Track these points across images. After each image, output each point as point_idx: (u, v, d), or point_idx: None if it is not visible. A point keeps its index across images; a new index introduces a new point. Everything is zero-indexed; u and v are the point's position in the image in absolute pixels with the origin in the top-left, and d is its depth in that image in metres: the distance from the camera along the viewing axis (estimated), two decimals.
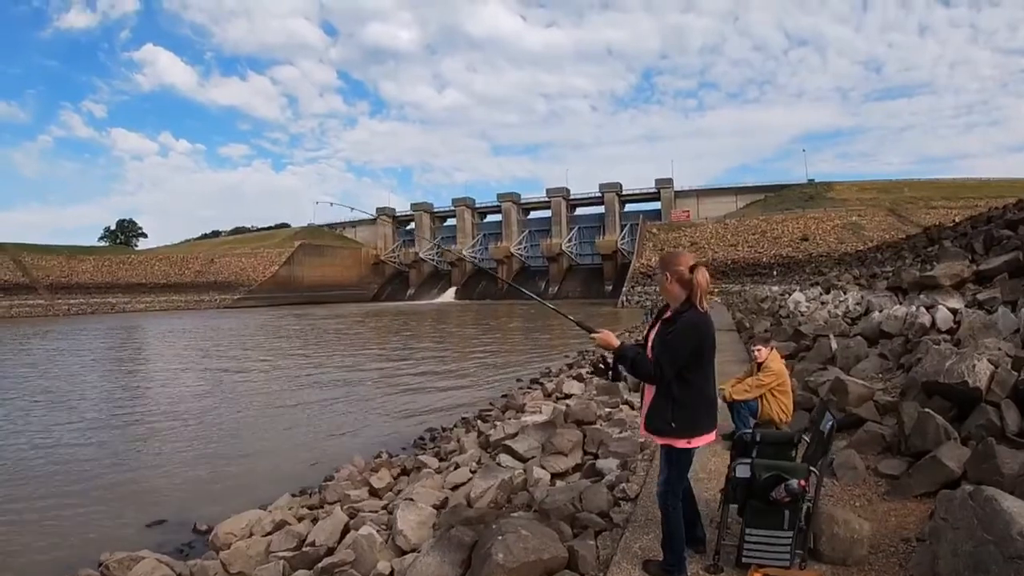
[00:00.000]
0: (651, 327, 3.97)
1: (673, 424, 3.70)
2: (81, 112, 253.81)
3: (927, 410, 5.33)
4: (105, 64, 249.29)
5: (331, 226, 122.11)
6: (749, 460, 3.93)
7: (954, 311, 9.64)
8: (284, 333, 43.04)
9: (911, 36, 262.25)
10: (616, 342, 3.77)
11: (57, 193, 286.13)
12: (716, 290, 54.53)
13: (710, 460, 5.97)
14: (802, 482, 3.68)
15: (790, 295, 23.55)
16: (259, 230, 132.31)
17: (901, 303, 11.91)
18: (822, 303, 18.01)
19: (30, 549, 7.77)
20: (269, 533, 7.14)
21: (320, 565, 5.67)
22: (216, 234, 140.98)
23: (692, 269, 3.69)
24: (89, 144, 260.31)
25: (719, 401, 6.65)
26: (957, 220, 31.83)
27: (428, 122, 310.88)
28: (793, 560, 3.75)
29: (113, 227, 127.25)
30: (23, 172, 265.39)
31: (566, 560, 4.25)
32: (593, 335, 3.83)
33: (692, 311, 3.68)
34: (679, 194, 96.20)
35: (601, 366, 4.09)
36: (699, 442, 3.76)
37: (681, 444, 3.74)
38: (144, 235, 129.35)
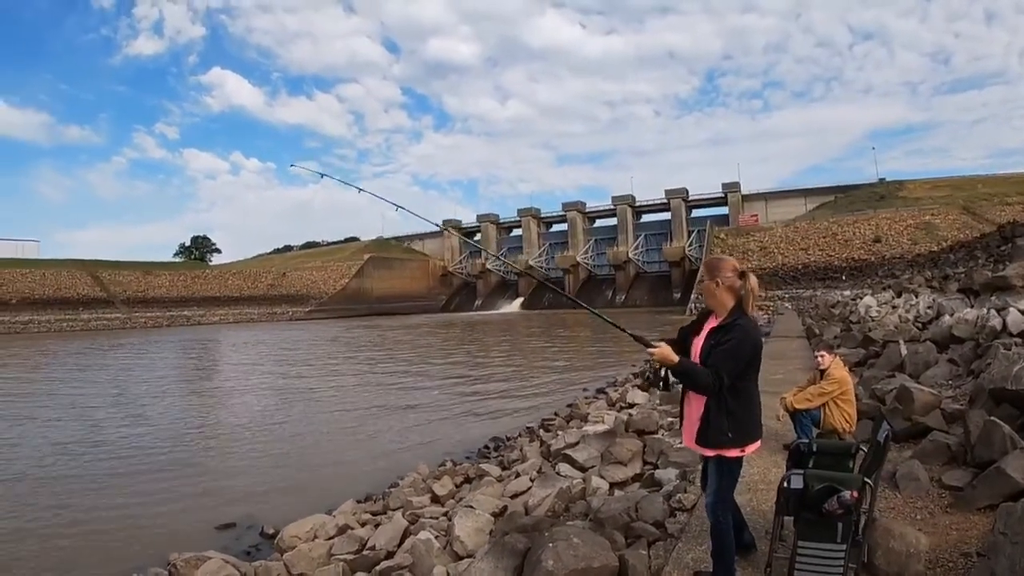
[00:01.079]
0: (693, 334, 3.93)
1: (730, 434, 3.66)
2: (154, 134, 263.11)
3: (993, 418, 5.17)
4: (174, 88, 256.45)
5: (399, 239, 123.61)
6: (802, 471, 3.89)
7: None
8: (355, 344, 43.69)
9: (978, 25, 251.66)
10: (675, 357, 3.68)
11: (133, 212, 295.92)
12: (786, 296, 53.60)
13: (771, 471, 5.90)
14: (854, 493, 3.62)
15: (861, 300, 23.04)
16: (329, 244, 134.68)
17: (972, 306, 11.58)
18: (893, 307, 17.58)
19: (104, 548, 8.08)
20: (332, 537, 7.31)
21: (378, 568, 5.81)
22: (288, 249, 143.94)
23: (742, 275, 3.68)
24: (163, 165, 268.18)
25: (780, 411, 6.61)
26: None
27: (492, 134, 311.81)
28: (847, 574, 3.69)
29: (188, 243, 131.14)
30: (99, 193, 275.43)
31: (616, 569, 4.26)
32: (651, 349, 3.74)
33: (746, 318, 3.65)
34: (746, 198, 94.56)
35: (652, 376, 4.11)
36: (750, 450, 3.75)
37: (735, 453, 3.72)
38: (218, 250, 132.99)
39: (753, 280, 3.68)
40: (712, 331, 3.77)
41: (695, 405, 3.83)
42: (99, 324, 73.47)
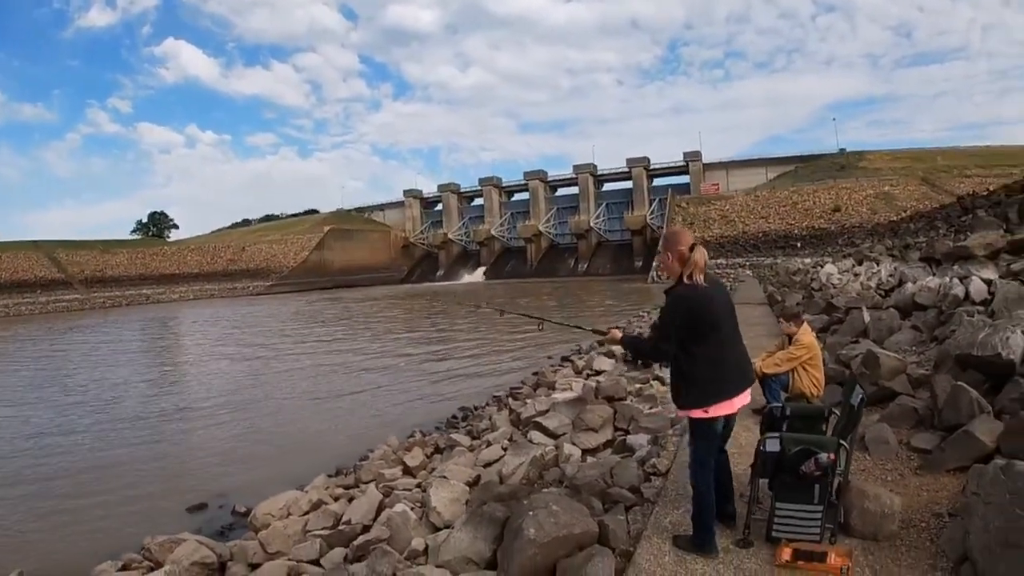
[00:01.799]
0: None
1: (687, 396, 3.84)
2: (107, 109, 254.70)
3: (960, 383, 5.27)
4: (128, 60, 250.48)
5: (359, 210, 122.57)
6: (778, 434, 3.95)
7: (988, 282, 9.51)
8: (316, 318, 43.37)
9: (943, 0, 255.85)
10: (618, 335, 4.01)
11: (89, 190, 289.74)
12: (747, 263, 54.20)
13: (740, 435, 5.94)
14: (831, 455, 3.68)
15: (822, 267, 23.33)
16: (288, 217, 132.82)
17: (934, 274, 11.78)
18: (855, 275, 17.83)
19: (75, 535, 8.03)
20: (306, 513, 7.28)
21: (356, 543, 5.77)
22: (246, 222, 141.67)
23: (692, 248, 3.79)
24: (117, 140, 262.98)
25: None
26: (991, 189, 31.29)
27: (453, 102, 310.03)
28: (823, 535, 3.76)
29: (145, 220, 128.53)
30: (55, 171, 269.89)
31: (597, 535, 4.28)
32: (602, 338, 4.01)
33: (680, 286, 3.81)
34: (708, 167, 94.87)
35: (627, 356, 4.25)
36: (719, 410, 3.81)
37: (698, 414, 3.83)
38: (176, 226, 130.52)
39: (699, 252, 3.80)
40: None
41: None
42: (57, 306, 71.36)
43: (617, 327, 3.93)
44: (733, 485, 4.30)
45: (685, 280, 3.78)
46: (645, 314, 26.60)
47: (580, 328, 4.17)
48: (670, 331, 3.80)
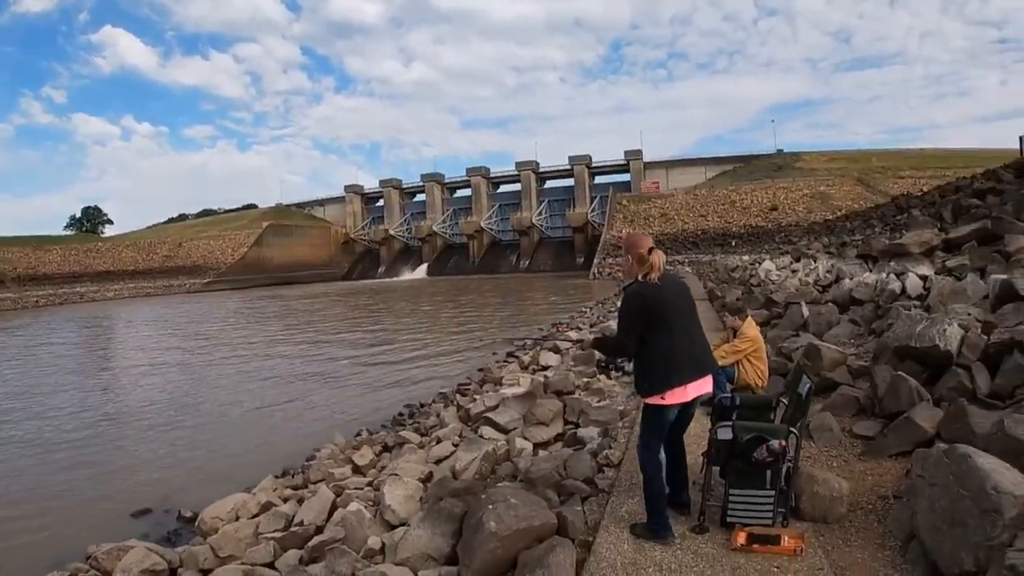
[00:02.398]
0: None
1: (644, 384, 4.02)
2: (41, 98, 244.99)
3: (900, 373, 5.49)
4: (64, 48, 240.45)
5: (299, 205, 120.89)
6: (730, 423, 4.06)
7: (924, 278, 9.87)
8: (256, 316, 42.71)
9: (882, 7, 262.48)
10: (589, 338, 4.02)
11: (20, 183, 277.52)
12: (686, 260, 54.99)
13: (691, 425, 6.08)
14: (782, 442, 3.81)
15: (760, 264, 23.81)
16: (226, 212, 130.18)
17: (871, 270, 12.15)
18: (792, 271, 18.26)
19: (14, 546, 7.73)
20: (256, 515, 7.14)
21: (311, 544, 5.70)
22: (183, 217, 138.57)
23: (651, 251, 4.01)
24: (50, 131, 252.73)
25: None
26: (925, 190, 32.36)
27: (396, 97, 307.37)
28: (776, 519, 3.89)
29: (79, 215, 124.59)
30: None
31: (556, 526, 4.33)
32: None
33: (634, 284, 4.06)
34: (648, 165, 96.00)
35: (601, 363, 4.35)
36: (672, 398, 3.93)
37: (654, 400, 3.97)
38: (110, 221, 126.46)
39: (657, 255, 4.01)
40: None
41: None
42: None
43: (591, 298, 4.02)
44: (687, 474, 4.41)
45: (640, 279, 3.96)
46: (587, 310, 26.85)
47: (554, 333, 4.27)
48: (628, 325, 3.98)
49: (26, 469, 10.77)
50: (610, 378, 9.95)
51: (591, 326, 19.59)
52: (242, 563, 5.88)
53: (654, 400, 3.96)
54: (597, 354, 4.27)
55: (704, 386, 4.08)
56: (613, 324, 4.21)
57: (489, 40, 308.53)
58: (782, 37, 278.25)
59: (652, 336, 3.94)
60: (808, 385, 4.17)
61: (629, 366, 11.56)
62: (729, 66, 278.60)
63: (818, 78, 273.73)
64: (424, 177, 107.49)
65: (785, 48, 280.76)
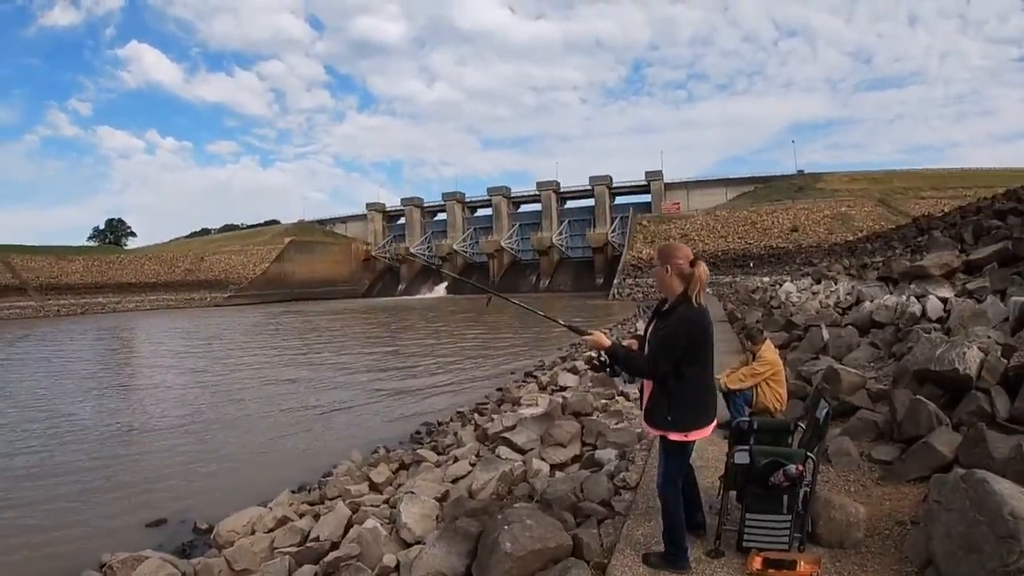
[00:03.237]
0: (649, 322, 3.98)
1: (669, 418, 3.72)
2: (67, 111, 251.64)
3: (919, 397, 5.45)
4: (90, 62, 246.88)
5: (321, 222, 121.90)
6: (748, 447, 4.03)
7: (944, 300, 9.80)
8: (276, 331, 42.97)
9: (901, 26, 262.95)
10: (607, 342, 3.78)
11: (45, 194, 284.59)
12: (708, 282, 54.74)
13: (707, 448, 6.06)
14: (800, 467, 3.78)
15: (781, 286, 23.72)
16: (249, 227, 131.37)
17: (892, 293, 12.07)
18: (813, 293, 18.15)
19: (31, 552, 7.81)
20: (271, 530, 7.19)
21: (326, 559, 5.71)
22: (206, 232, 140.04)
23: (692, 263, 3.69)
24: (75, 143, 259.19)
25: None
26: (946, 210, 32.18)
27: (417, 116, 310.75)
28: (792, 543, 3.85)
29: (102, 227, 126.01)
30: (10, 174, 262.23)
31: (571, 548, 4.34)
32: (584, 337, 3.85)
33: (686, 305, 3.68)
34: (669, 186, 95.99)
35: (596, 363, 4.06)
36: (696, 435, 3.78)
37: (677, 437, 3.76)
38: (133, 234, 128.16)
39: (701, 268, 3.70)
40: (659, 317, 3.85)
41: (647, 387, 3.91)
42: (11, 313, 69.46)
43: (604, 331, 3.87)
44: (700, 494, 4.36)
45: (693, 301, 3.68)
46: (607, 331, 26.73)
47: (572, 328, 4.10)
48: (671, 351, 3.64)
49: (44, 477, 10.87)
50: (628, 399, 9.95)
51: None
52: None
53: (676, 437, 3.76)
54: (594, 353, 3.96)
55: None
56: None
57: (509, 60, 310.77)
58: (802, 57, 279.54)
59: (688, 367, 3.67)
60: (826, 409, 4.14)
61: (627, 378, 11.54)
62: (749, 87, 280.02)
63: (838, 98, 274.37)
64: (445, 196, 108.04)
65: (805, 68, 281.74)
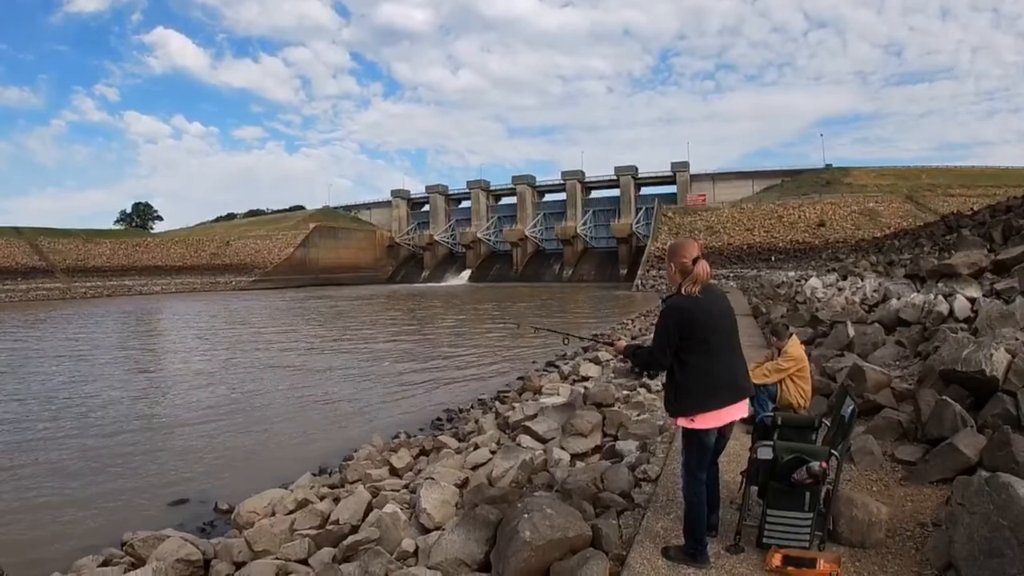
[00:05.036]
0: None
1: (674, 404, 3.86)
2: (94, 96, 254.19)
3: (944, 397, 5.39)
4: (116, 48, 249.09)
5: (346, 208, 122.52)
6: (771, 443, 4.02)
7: (972, 300, 9.69)
8: (300, 315, 43.26)
9: (933, 20, 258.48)
10: (621, 344, 4.05)
11: (72, 178, 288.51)
12: (731, 275, 54.44)
13: (729, 444, 6.03)
14: (823, 464, 3.77)
15: (806, 281, 23.50)
16: (274, 212, 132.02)
17: (919, 291, 11.94)
18: (839, 289, 17.97)
19: (53, 529, 7.96)
20: (292, 512, 7.23)
21: (345, 543, 5.73)
22: (231, 216, 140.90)
23: (695, 261, 3.81)
24: (102, 128, 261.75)
25: None
26: (975, 208, 31.68)
27: (443, 104, 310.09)
28: (812, 542, 3.86)
29: (129, 210, 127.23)
30: (38, 158, 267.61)
31: (590, 538, 4.34)
32: (608, 347, 4.00)
33: (676, 296, 3.85)
34: (695, 178, 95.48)
35: (622, 363, 4.22)
36: (706, 422, 3.80)
37: (685, 423, 3.84)
38: (160, 218, 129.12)
39: (702, 266, 3.80)
40: None
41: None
42: (38, 295, 70.54)
43: (621, 338, 3.95)
44: (720, 495, 4.35)
45: (682, 291, 3.81)
46: (629, 322, 26.73)
47: (595, 340, 4.22)
48: (663, 340, 3.81)
49: (68, 457, 11.04)
50: (650, 391, 9.93)
51: (632, 339, 19.49)
52: (276, 558, 5.97)
53: (683, 422, 3.84)
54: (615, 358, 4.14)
55: (740, 410, 3.92)
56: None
57: (535, 49, 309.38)
58: (832, 50, 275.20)
59: (688, 354, 3.78)
60: (852, 407, 4.11)
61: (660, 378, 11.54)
62: (778, 78, 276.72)
63: (868, 92, 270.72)
64: (470, 184, 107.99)
65: (835, 61, 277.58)
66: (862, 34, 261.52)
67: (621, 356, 4.05)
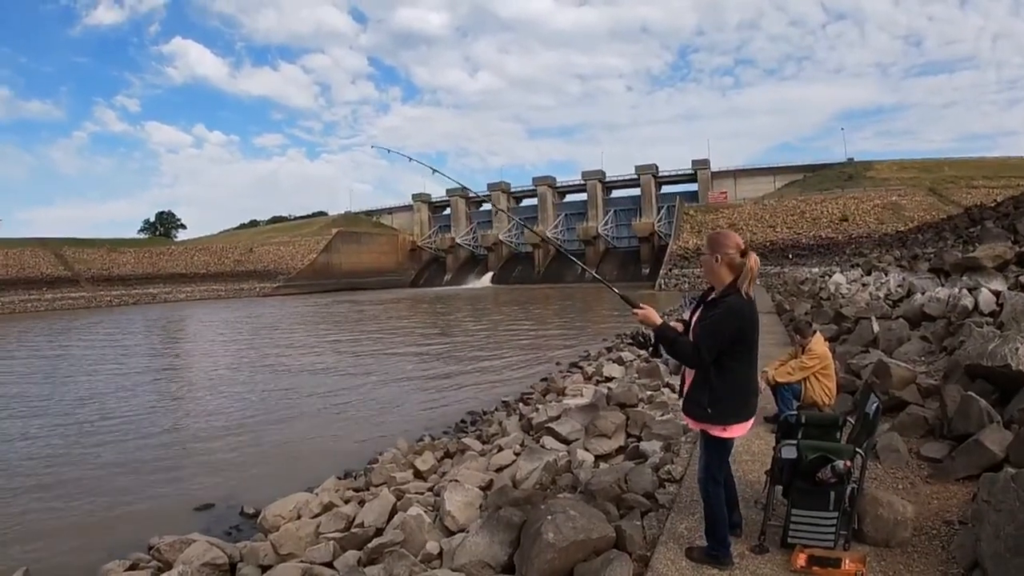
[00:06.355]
0: (694, 310, 3.90)
1: (709, 411, 3.66)
2: (115, 107, 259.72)
3: (970, 393, 5.34)
4: (135, 59, 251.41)
5: (368, 213, 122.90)
6: (795, 441, 3.99)
7: (997, 293, 9.59)
8: (324, 320, 43.51)
9: (952, 9, 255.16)
10: (658, 320, 3.70)
11: (95, 188, 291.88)
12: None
13: (753, 442, 6.03)
14: (847, 463, 3.74)
15: (830, 277, 23.32)
16: (296, 219, 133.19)
17: (943, 285, 11.84)
18: (863, 285, 17.83)
19: (81, 535, 8.05)
20: (317, 515, 7.28)
21: (370, 545, 5.78)
22: (254, 223, 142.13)
23: (744, 253, 3.62)
24: (124, 138, 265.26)
25: (761, 384, 6.68)
26: (999, 200, 31.33)
27: (461, 106, 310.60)
28: (837, 541, 3.82)
29: (153, 219, 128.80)
30: (61, 169, 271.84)
31: (614, 540, 4.33)
32: (635, 310, 3.75)
33: (735, 296, 3.60)
34: (716, 175, 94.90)
35: (640, 340, 4.01)
36: (735, 431, 3.73)
37: (716, 432, 3.72)
38: (183, 226, 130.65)
39: (754, 258, 3.62)
40: (705, 306, 3.77)
41: (688, 376, 3.87)
42: (63, 304, 71.61)
43: (652, 308, 3.75)
44: (737, 493, 4.31)
45: (742, 292, 3.61)
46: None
47: (625, 300, 4.00)
48: (716, 342, 3.55)
49: (96, 461, 11.20)
50: (673, 391, 9.89)
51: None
52: (301, 561, 6.01)
53: (716, 431, 3.71)
54: (643, 329, 3.84)
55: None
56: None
57: (552, 48, 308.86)
58: (851, 42, 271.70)
59: (732, 360, 3.60)
60: (876, 404, 4.06)
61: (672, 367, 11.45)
62: (797, 72, 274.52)
63: (888, 84, 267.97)
64: (490, 186, 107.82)
65: (854, 53, 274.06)
66: (881, 25, 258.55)
67: (648, 329, 3.82)
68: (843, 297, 16.70)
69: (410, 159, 6.18)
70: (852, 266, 27.34)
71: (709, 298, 3.81)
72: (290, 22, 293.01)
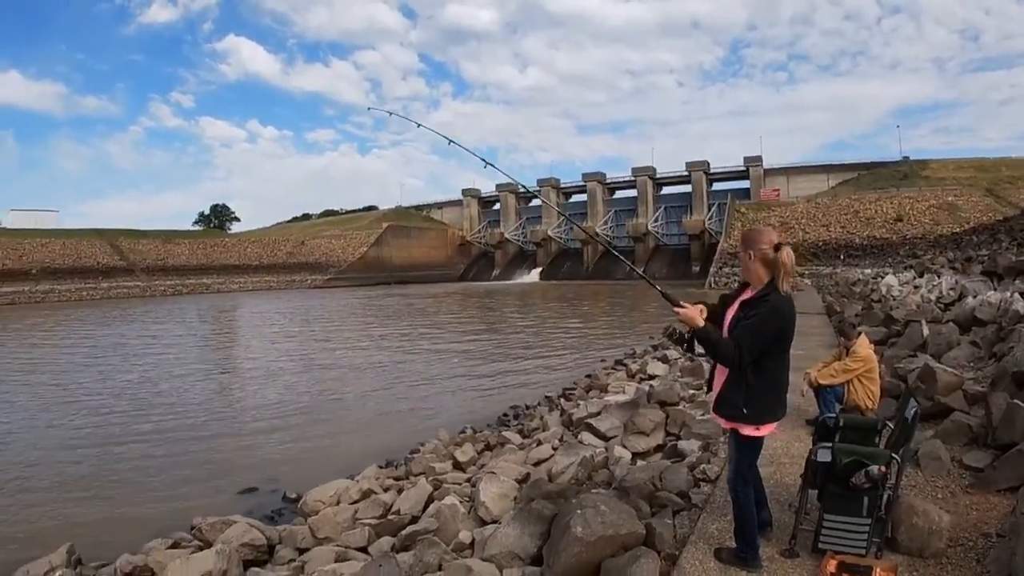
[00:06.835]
0: (726, 306, 3.85)
1: (745, 410, 3.63)
2: (169, 103, 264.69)
3: (1016, 401, 5.19)
4: (189, 56, 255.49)
5: (418, 208, 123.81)
6: (830, 444, 3.93)
7: None
8: (374, 312, 43.97)
9: (1009, 2, 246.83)
10: (700, 322, 3.60)
11: (150, 181, 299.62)
12: (806, 272, 53.31)
13: (794, 445, 5.97)
14: (882, 468, 3.67)
15: (883, 278, 22.89)
16: (348, 213, 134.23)
17: (996, 288, 11.55)
18: (915, 287, 17.48)
19: (127, 514, 8.33)
20: (356, 501, 7.42)
21: (404, 532, 5.89)
22: (306, 217, 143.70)
23: (776, 248, 3.56)
24: (179, 133, 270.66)
25: (804, 386, 6.61)
26: None
27: (511, 102, 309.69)
28: (869, 548, 3.75)
29: (207, 212, 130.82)
30: (117, 163, 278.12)
31: (643, 537, 4.31)
32: (676, 309, 3.68)
33: (775, 294, 3.55)
34: (768, 172, 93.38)
35: (676, 336, 3.96)
36: (767, 430, 3.71)
37: (750, 431, 3.70)
38: (237, 219, 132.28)
39: (786, 253, 3.56)
40: (743, 303, 3.73)
41: (720, 374, 3.82)
42: (119, 292, 73.98)
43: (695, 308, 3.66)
44: (766, 491, 4.26)
45: (780, 289, 3.57)
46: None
47: (666, 296, 3.93)
48: (759, 342, 3.51)
49: (144, 445, 11.53)
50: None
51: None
52: (337, 545, 6.14)
53: (750, 431, 3.69)
54: (677, 326, 3.77)
55: None
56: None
57: (602, 44, 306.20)
58: (907, 36, 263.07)
59: (770, 360, 3.59)
60: (914, 409, 3.98)
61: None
62: (852, 68, 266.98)
63: (945, 80, 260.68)
64: (540, 182, 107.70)
65: (910, 48, 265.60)
66: (937, 19, 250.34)
67: (688, 331, 3.73)
68: (894, 299, 16.39)
69: (450, 142, 6.21)
70: (905, 268, 26.80)
71: (744, 296, 3.77)
72: (341, 19, 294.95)
